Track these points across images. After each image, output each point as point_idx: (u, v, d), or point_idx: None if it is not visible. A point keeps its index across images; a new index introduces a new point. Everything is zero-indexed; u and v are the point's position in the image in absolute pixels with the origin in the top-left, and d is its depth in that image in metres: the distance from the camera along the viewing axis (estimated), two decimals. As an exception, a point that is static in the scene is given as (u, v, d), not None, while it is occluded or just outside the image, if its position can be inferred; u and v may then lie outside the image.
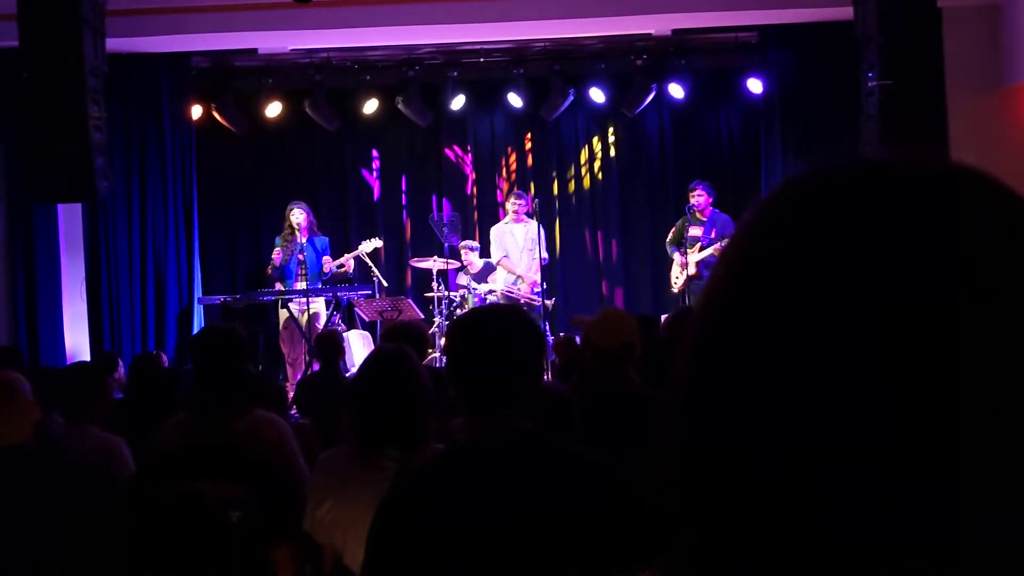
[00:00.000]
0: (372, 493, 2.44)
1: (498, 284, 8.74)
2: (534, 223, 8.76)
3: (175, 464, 2.55)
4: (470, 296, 8.61)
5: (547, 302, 8.41)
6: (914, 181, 0.46)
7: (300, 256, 8.28)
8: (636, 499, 1.70)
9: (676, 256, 8.45)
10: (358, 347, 8.39)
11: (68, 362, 7.76)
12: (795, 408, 0.44)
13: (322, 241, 8.48)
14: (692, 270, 8.18)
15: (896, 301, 0.43)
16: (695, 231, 8.32)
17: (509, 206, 8.92)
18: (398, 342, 3.05)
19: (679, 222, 8.56)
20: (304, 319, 8.00)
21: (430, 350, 8.35)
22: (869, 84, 7.01)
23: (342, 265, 8.56)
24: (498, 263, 8.92)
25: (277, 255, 8.33)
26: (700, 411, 0.47)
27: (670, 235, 8.65)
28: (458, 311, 8.56)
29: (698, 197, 8.40)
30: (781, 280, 0.45)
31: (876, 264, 0.44)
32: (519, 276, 8.72)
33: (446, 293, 8.65)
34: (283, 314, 8.20)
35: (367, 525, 2.42)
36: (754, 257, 0.47)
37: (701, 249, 8.23)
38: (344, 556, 2.44)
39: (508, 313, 1.86)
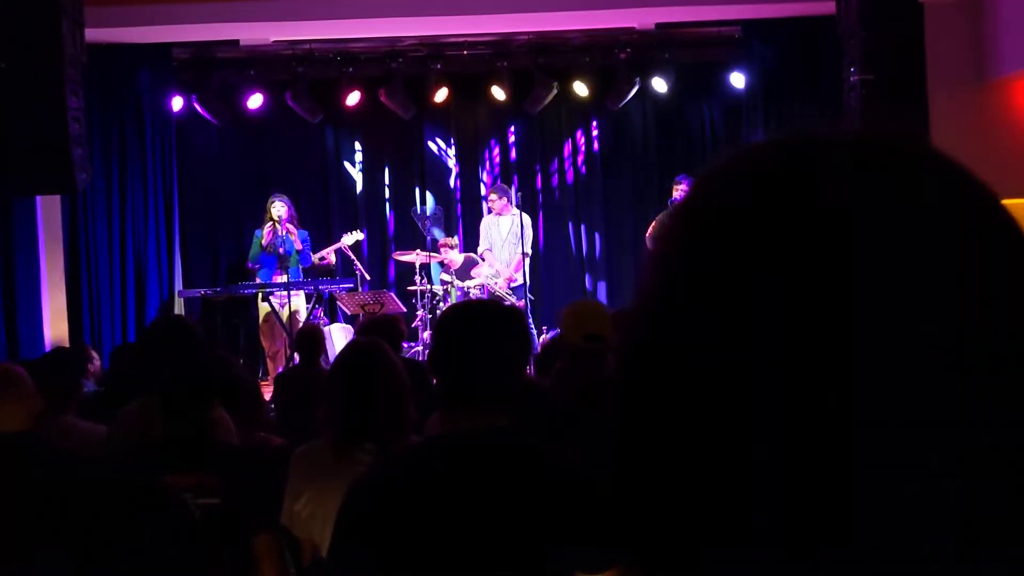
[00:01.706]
0: (347, 486, 2.43)
1: (481, 278, 8.74)
2: (521, 217, 8.74)
3: (151, 456, 2.55)
4: (453, 290, 8.60)
5: (515, 300, 8.38)
6: (864, 156, 0.46)
7: (281, 250, 8.23)
8: (602, 500, 1.70)
9: None
10: (340, 341, 8.36)
11: (47, 355, 7.71)
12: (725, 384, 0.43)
13: (302, 234, 8.42)
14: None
15: (837, 278, 0.42)
16: None
17: (488, 202, 8.91)
18: (373, 336, 3.04)
19: (660, 216, 8.57)
20: (285, 313, 7.96)
21: (413, 343, 8.33)
22: (851, 79, 7.03)
23: (323, 258, 8.51)
24: (481, 255, 8.92)
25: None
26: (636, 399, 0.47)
27: (651, 229, 8.66)
28: (441, 305, 8.55)
29: (682, 191, 8.42)
30: (723, 251, 0.45)
31: (817, 237, 0.43)
32: (496, 271, 8.71)
33: (429, 287, 8.63)
34: (263, 308, 8.14)
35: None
36: (698, 225, 0.47)
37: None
38: (322, 549, 2.43)
39: (495, 309, 1.85)
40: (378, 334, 3.14)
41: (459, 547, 1.63)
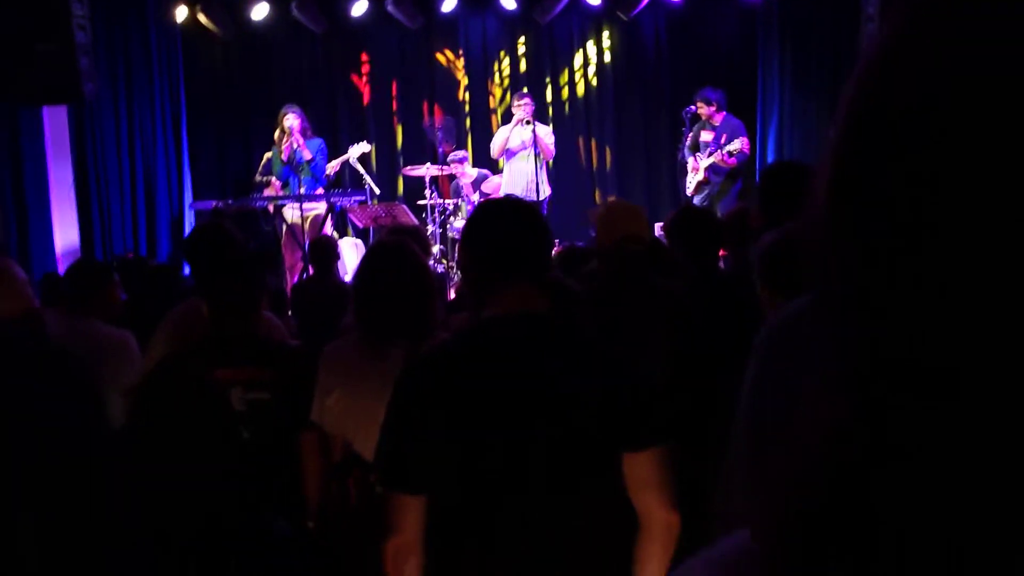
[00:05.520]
0: (379, 383, 2.46)
1: (516, 189, 8.49)
2: (542, 127, 8.60)
3: (204, 351, 2.59)
4: (463, 203, 8.56)
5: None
6: None
7: (296, 162, 8.11)
8: (642, 384, 1.77)
9: (690, 161, 8.35)
10: (349, 254, 8.36)
11: (59, 267, 7.73)
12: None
13: (316, 143, 8.27)
14: (701, 175, 8.14)
15: None
16: (706, 136, 8.23)
17: (513, 109, 8.63)
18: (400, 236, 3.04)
19: (695, 128, 8.40)
20: (305, 225, 7.91)
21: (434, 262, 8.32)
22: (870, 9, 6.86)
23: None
24: (497, 157, 8.67)
25: (276, 186, 8.18)
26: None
27: (687, 140, 8.46)
28: (452, 219, 8.52)
29: (701, 109, 8.25)
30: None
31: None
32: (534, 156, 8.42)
33: (440, 200, 8.58)
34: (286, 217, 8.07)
35: (375, 413, 2.45)
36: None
37: (710, 154, 8.14)
38: (354, 443, 2.47)
39: (526, 204, 1.91)
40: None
41: (510, 421, 1.68)
